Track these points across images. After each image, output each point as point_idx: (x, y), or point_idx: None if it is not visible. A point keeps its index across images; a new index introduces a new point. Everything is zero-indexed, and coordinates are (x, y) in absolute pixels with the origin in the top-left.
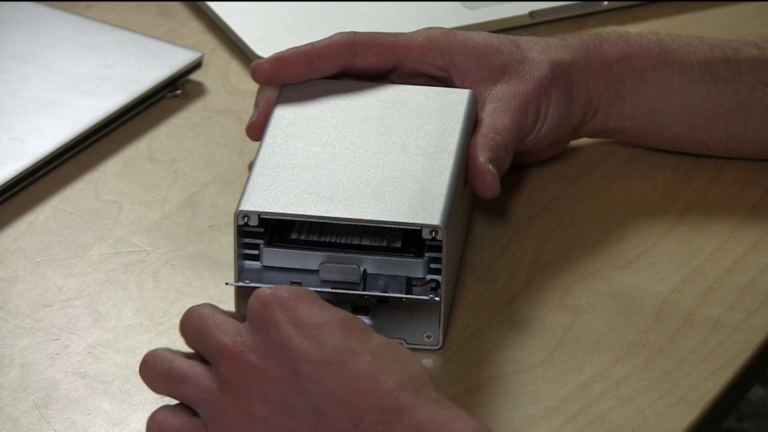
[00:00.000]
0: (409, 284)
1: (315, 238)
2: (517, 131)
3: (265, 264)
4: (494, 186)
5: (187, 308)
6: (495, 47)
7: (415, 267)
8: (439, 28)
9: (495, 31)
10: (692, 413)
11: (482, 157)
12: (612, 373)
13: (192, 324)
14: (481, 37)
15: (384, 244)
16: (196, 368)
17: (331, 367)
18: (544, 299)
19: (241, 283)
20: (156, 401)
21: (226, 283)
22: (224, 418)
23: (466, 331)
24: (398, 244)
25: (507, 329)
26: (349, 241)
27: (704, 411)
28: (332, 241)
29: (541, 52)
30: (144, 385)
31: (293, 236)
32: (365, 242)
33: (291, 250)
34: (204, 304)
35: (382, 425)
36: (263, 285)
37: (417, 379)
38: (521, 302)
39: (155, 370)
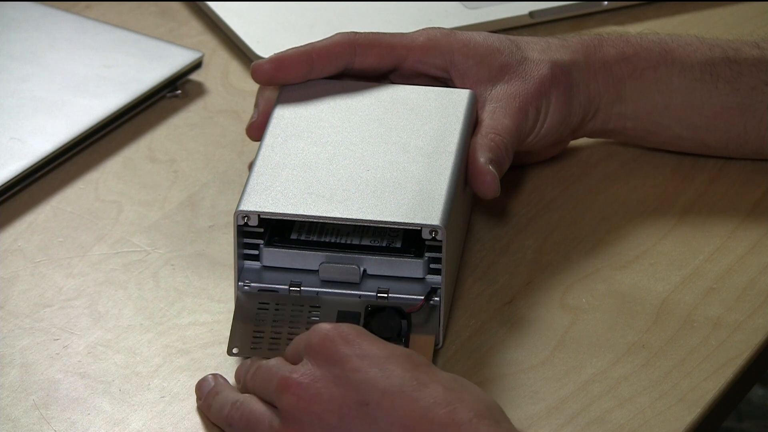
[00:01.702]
0: (402, 313)
1: (315, 238)
2: (517, 131)
3: (264, 264)
4: (494, 186)
5: (186, 308)
6: (495, 47)
7: (414, 267)
8: (439, 28)
9: (495, 31)
10: (692, 413)
11: (482, 158)
12: (612, 373)
13: (246, 371)
14: (482, 37)
15: (384, 244)
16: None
17: (402, 396)
18: (544, 299)
19: (234, 353)
20: (156, 401)
21: (229, 354)
22: None
23: (466, 331)
24: (398, 244)
25: (507, 329)
26: (349, 241)
27: (704, 411)
28: (332, 241)
29: (541, 52)
30: (144, 385)
31: (293, 236)
32: (365, 242)
33: (291, 250)
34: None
35: None
36: (260, 286)
37: (493, 411)
38: (521, 302)
39: (221, 415)
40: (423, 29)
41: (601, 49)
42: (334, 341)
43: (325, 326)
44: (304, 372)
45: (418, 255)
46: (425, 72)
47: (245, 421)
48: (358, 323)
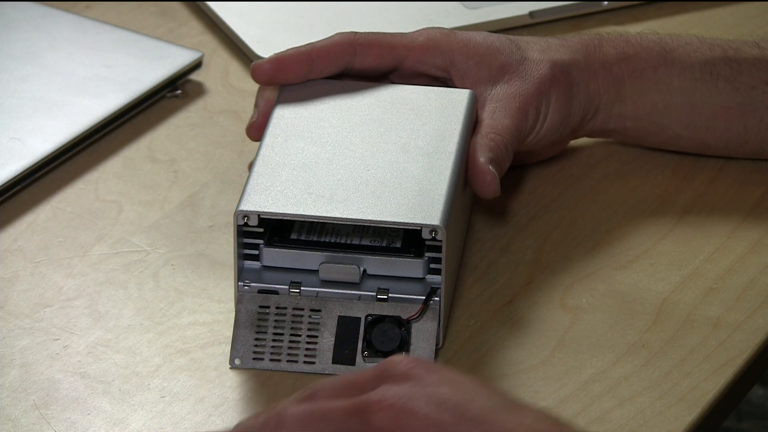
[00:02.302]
0: (401, 322)
1: (315, 238)
2: (517, 131)
3: (264, 264)
4: (494, 186)
5: (186, 308)
6: (495, 47)
7: (414, 267)
8: (439, 28)
9: (495, 31)
10: (692, 413)
11: (482, 158)
12: (612, 373)
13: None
14: (482, 37)
15: (384, 244)
16: None
17: (502, 411)
18: (544, 299)
19: (236, 364)
20: (156, 401)
21: (231, 367)
22: None
23: (466, 331)
24: (398, 244)
25: (507, 329)
26: (349, 241)
27: (704, 411)
28: (332, 241)
29: (541, 52)
30: (144, 385)
31: (293, 236)
32: (365, 242)
33: (291, 250)
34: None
35: None
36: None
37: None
38: (521, 302)
39: None
40: (423, 29)
41: (601, 48)
42: (414, 364)
43: (397, 357)
44: (386, 392)
45: (418, 255)
46: (425, 72)
47: None
48: (358, 328)
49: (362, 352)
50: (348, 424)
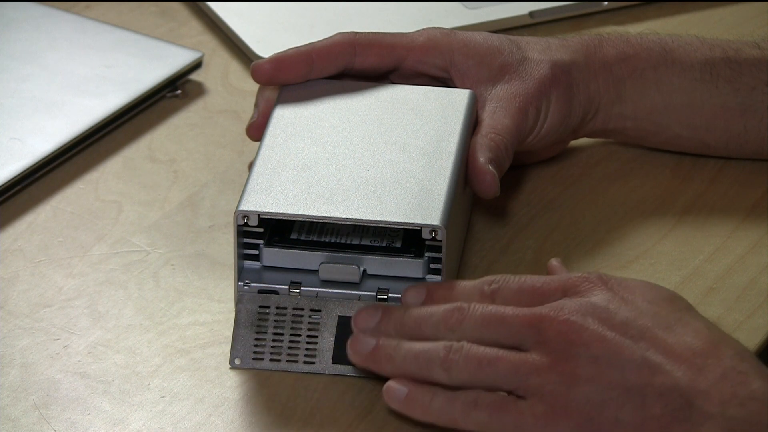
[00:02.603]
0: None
1: (315, 238)
2: (517, 131)
3: (264, 264)
4: (494, 186)
5: (186, 308)
6: (495, 47)
7: (414, 267)
8: (439, 28)
9: (495, 31)
10: None
11: (482, 158)
12: None
13: (473, 314)
14: (482, 37)
15: (384, 244)
16: (500, 352)
17: (667, 331)
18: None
19: (237, 362)
20: (156, 401)
21: (231, 367)
22: (547, 385)
23: None
24: (398, 245)
25: None
26: (349, 241)
27: None
28: (332, 241)
29: (542, 52)
30: (144, 385)
31: (293, 236)
32: (365, 242)
33: (291, 250)
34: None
35: (730, 383)
36: (260, 286)
37: (754, 362)
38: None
39: (464, 358)
40: (423, 29)
41: (601, 49)
42: (594, 282)
43: (580, 275)
44: (563, 306)
45: (418, 255)
46: (425, 72)
47: (487, 362)
48: None
49: None
50: (524, 331)
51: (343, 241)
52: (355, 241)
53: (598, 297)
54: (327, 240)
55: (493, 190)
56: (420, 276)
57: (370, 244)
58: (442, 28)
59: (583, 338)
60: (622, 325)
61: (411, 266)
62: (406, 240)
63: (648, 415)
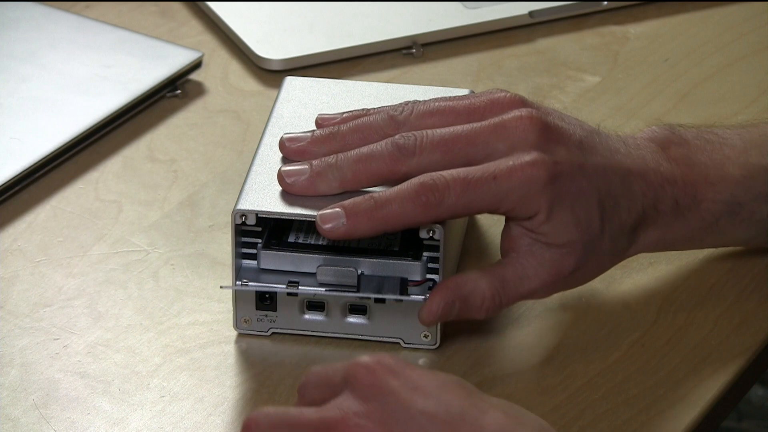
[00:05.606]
0: (405, 285)
1: (312, 241)
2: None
3: (262, 267)
4: (431, 318)
5: (186, 308)
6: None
7: (412, 269)
8: None
9: (495, 31)
10: (692, 413)
11: (446, 300)
12: (612, 373)
13: (271, 420)
14: None
15: (381, 247)
16: None
17: (463, 425)
18: (543, 299)
19: (238, 285)
20: (156, 401)
21: (221, 287)
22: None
23: (465, 331)
24: (396, 247)
25: (507, 329)
26: (346, 244)
27: (704, 411)
28: (330, 243)
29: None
30: (144, 384)
31: (291, 239)
32: (363, 245)
33: (288, 253)
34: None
35: None
36: (257, 286)
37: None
38: (520, 302)
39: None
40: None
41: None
42: (379, 374)
43: (365, 359)
44: (351, 410)
45: (416, 257)
46: None
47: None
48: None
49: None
50: None
51: (340, 244)
52: (353, 244)
53: (388, 385)
54: (324, 242)
55: (429, 320)
56: (418, 279)
57: (367, 246)
58: None
59: None
60: (421, 416)
61: (409, 269)
62: (404, 242)
63: None
